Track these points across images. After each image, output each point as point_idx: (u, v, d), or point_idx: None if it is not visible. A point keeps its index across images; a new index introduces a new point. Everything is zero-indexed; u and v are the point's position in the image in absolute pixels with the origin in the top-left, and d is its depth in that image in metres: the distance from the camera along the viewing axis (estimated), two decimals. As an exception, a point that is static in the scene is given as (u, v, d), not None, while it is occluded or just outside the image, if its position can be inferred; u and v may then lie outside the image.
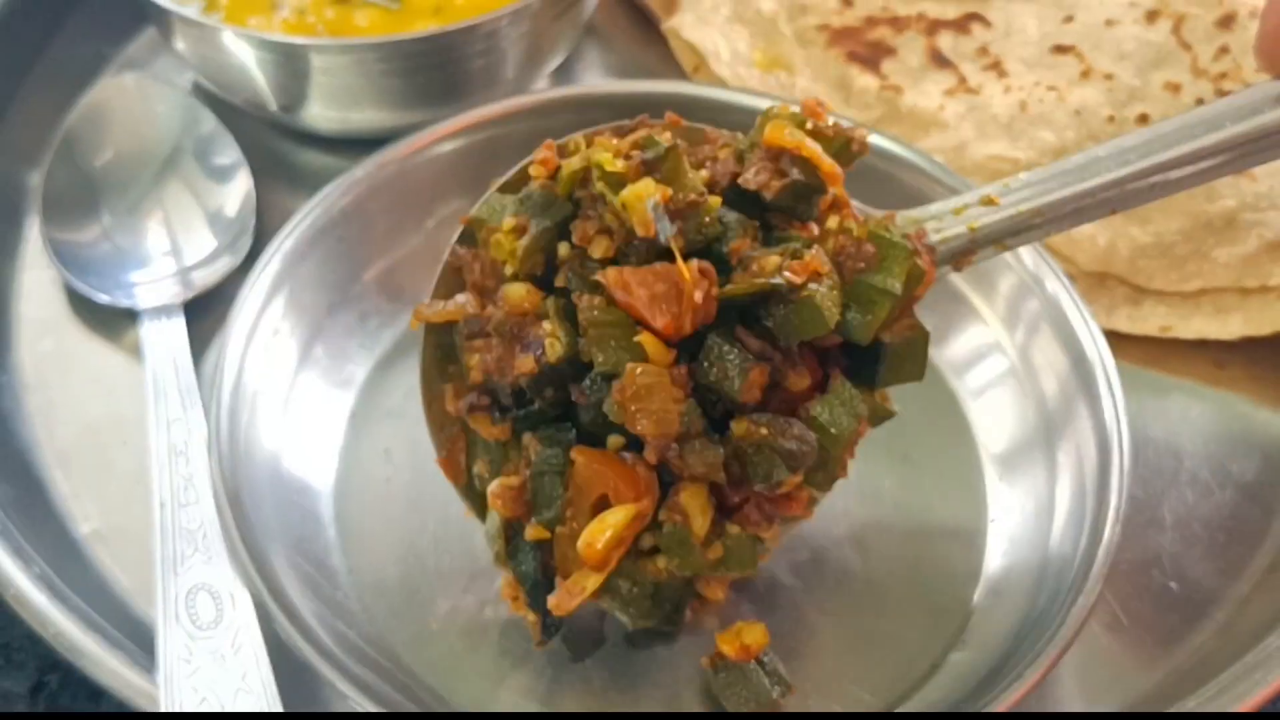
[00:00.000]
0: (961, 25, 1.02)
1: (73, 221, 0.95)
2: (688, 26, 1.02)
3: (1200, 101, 0.95)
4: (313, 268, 0.86)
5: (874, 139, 0.88)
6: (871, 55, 1.01)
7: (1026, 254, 0.83)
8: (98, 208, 0.96)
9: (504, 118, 0.91)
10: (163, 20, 0.97)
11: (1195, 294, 0.91)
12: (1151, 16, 0.99)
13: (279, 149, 1.03)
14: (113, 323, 0.92)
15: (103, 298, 0.91)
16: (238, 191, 0.97)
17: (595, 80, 1.08)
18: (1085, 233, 0.91)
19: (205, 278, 0.92)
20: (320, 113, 0.98)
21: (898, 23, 1.02)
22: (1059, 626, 0.69)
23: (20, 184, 1.01)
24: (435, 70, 0.95)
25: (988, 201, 0.71)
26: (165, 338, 0.88)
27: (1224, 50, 0.97)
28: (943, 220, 0.72)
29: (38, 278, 0.96)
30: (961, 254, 0.72)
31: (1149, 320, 0.91)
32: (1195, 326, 0.90)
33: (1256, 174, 0.91)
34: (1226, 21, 0.98)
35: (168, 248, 0.95)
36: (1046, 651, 0.69)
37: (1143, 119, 0.94)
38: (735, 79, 0.99)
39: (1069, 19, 1.01)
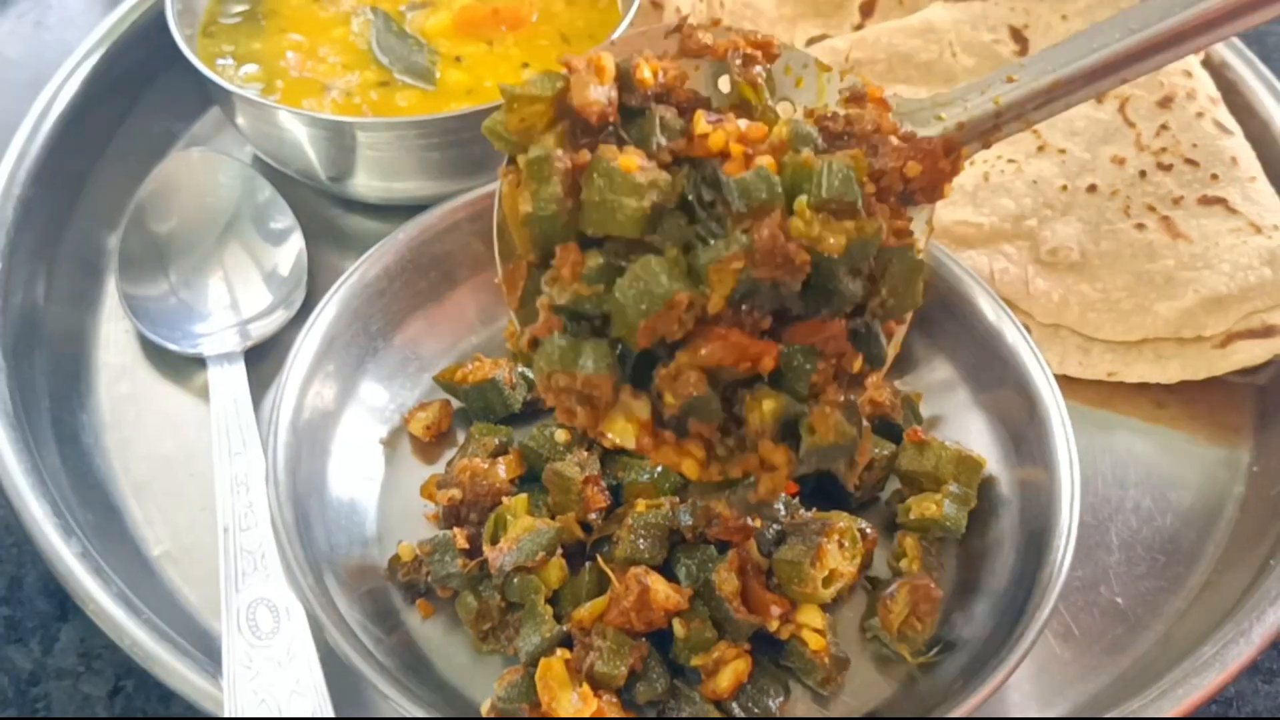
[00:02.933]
0: (931, 105, 1.04)
1: (145, 279, 0.97)
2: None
3: (1143, 174, 0.97)
4: (359, 319, 0.87)
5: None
6: (850, 132, 1.03)
7: (989, 310, 0.85)
8: (167, 267, 0.98)
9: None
10: (226, 101, 0.99)
11: (1138, 343, 0.92)
12: (1100, 97, 1.00)
13: (328, 215, 1.04)
14: (181, 369, 0.94)
15: (172, 347, 0.94)
16: (291, 252, 0.99)
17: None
18: (1041, 289, 0.93)
19: (263, 329, 0.95)
20: (365, 182, 1.00)
21: (875, 103, 1.04)
22: (1017, 638, 0.71)
23: (99, 246, 1.02)
24: (468, 145, 0.96)
25: (1009, 80, 0.69)
26: (228, 382, 0.90)
27: (1164, 127, 0.99)
28: (969, 99, 0.70)
29: (115, 329, 0.98)
30: (988, 130, 0.70)
31: (1097, 366, 0.93)
32: (1138, 371, 0.92)
33: (1192, 236, 0.93)
34: (1166, 102, 1.00)
35: (229, 302, 0.97)
36: (1006, 661, 0.70)
37: (1091, 189, 0.97)
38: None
39: (1026, 100, 1.03)
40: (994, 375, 0.85)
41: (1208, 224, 0.94)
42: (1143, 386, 0.92)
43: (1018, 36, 1.05)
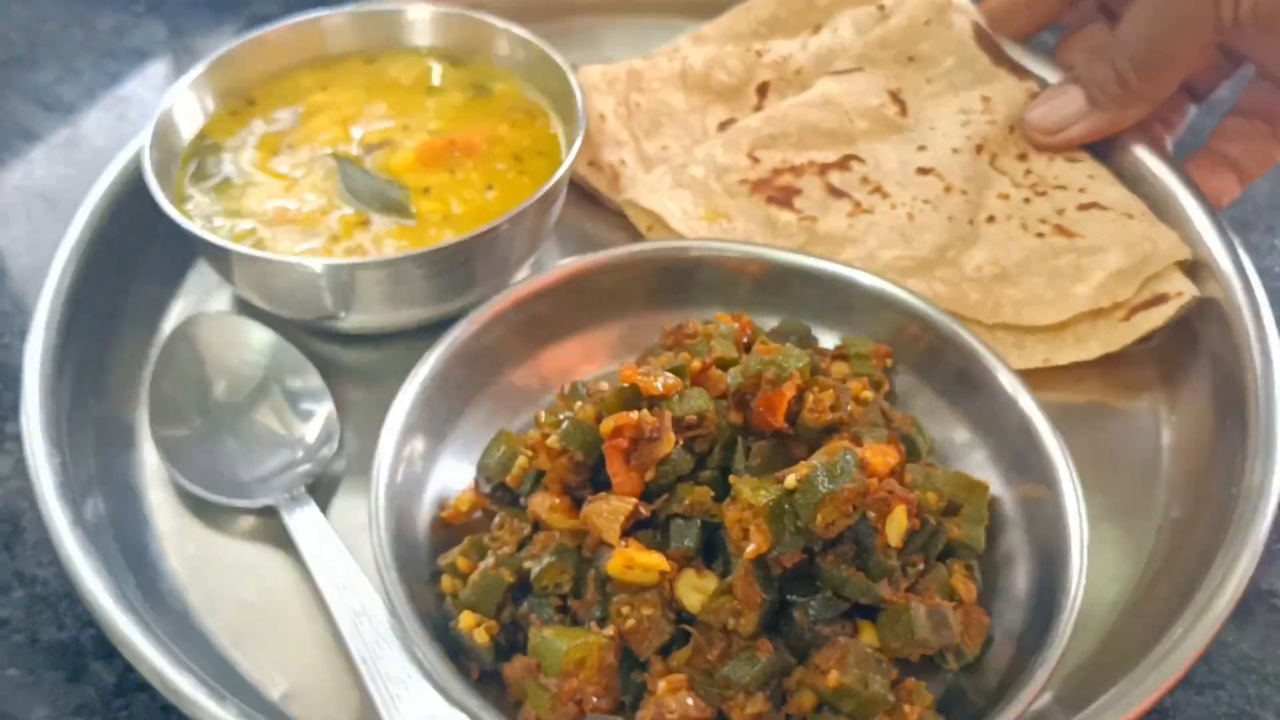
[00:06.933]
0: (843, 164, 1.10)
1: (191, 454, 0.95)
2: (643, 197, 1.07)
3: (1027, 201, 1.07)
4: (428, 414, 0.89)
5: (807, 259, 0.98)
6: (784, 196, 1.08)
7: (972, 348, 0.92)
8: (210, 434, 0.96)
9: (546, 290, 0.97)
10: (224, 258, 0.97)
11: (1062, 330, 1.01)
12: (979, 149, 1.10)
13: (325, 351, 1.03)
14: (234, 520, 0.93)
15: (240, 503, 0.92)
16: (320, 401, 0.98)
17: (569, 257, 1.02)
18: (976, 300, 1.02)
19: (314, 468, 0.94)
20: (361, 317, 0.99)
21: (796, 169, 1.09)
22: (1049, 644, 0.76)
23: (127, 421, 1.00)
24: (455, 270, 0.97)
25: None
26: (306, 523, 0.89)
27: (1029, 171, 1.10)
28: None
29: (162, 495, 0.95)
30: None
31: (1033, 356, 1.01)
32: (1067, 355, 1.00)
33: (1085, 233, 1.04)
34: (1023, 156, 1.11)
35: (276, 452, 0.95)
36: (1045, 661, 0.75)
37: (990, 219, 1.06)
38: (691, 231, 1.05)
39: (923, 148, 1.10)
40: (985, 407, 0.91)
41: (1090, 222, 1.05)
42: (1072, 367, 1.01)
43: (897, 99, 1.15)
